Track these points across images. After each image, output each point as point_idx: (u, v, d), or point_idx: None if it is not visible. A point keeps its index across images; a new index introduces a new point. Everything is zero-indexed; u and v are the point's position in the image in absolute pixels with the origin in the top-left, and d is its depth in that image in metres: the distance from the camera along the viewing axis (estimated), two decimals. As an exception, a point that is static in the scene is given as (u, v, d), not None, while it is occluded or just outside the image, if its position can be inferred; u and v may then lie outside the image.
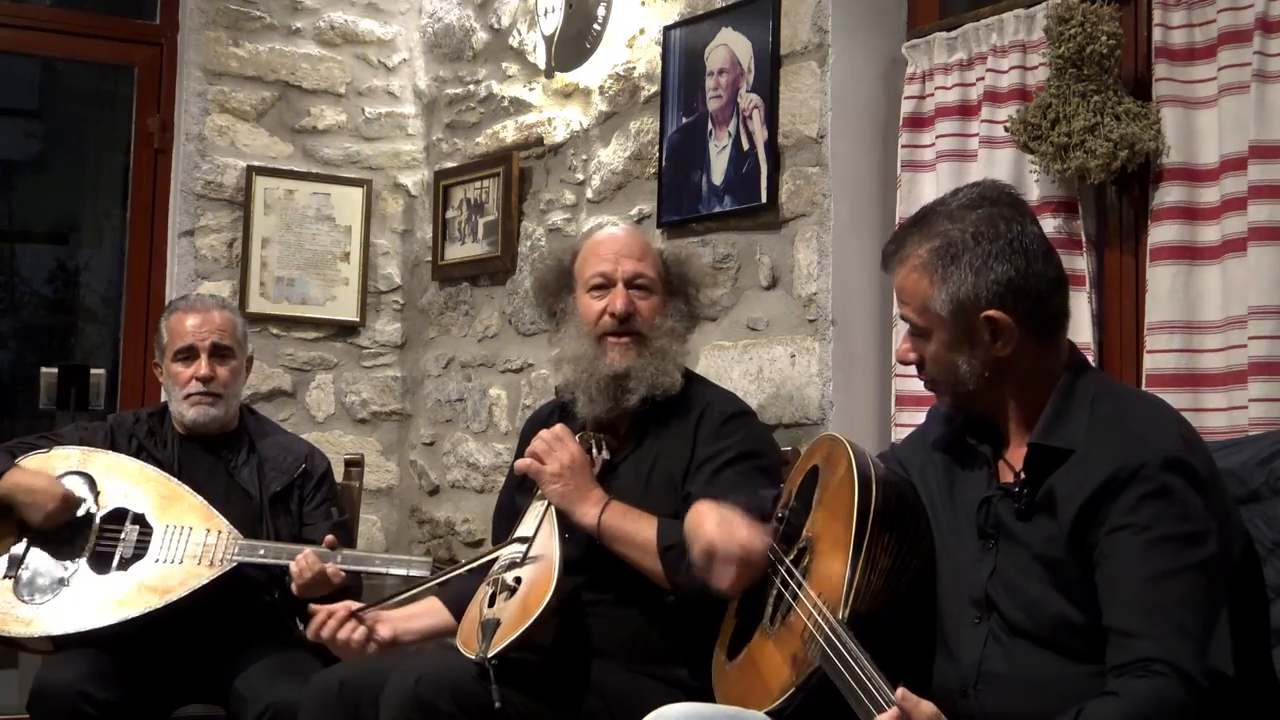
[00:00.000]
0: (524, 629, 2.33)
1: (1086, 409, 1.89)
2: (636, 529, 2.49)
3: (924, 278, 1.93)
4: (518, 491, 2.78)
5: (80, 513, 3.02)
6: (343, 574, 2.87)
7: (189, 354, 3.15)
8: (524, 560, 2.50)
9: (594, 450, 2.62)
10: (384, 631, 2.63)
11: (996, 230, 1.91)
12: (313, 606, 2.67)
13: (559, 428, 2.62)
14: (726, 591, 2.16)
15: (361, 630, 2.60)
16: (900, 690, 1.60)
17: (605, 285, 2.63)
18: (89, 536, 3.00)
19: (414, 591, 2.73)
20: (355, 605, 2.63)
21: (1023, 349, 1.91)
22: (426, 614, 2.74)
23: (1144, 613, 1.72)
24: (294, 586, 2.90)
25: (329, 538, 2.95)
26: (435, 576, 2.73)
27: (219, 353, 3.17)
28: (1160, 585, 1.72)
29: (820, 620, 1.85)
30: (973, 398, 1.97)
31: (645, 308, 2.62)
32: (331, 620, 2.60)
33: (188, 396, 3.14)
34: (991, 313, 1.89)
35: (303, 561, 2.87)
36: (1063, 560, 1.83)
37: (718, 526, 2.13)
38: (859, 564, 1.89)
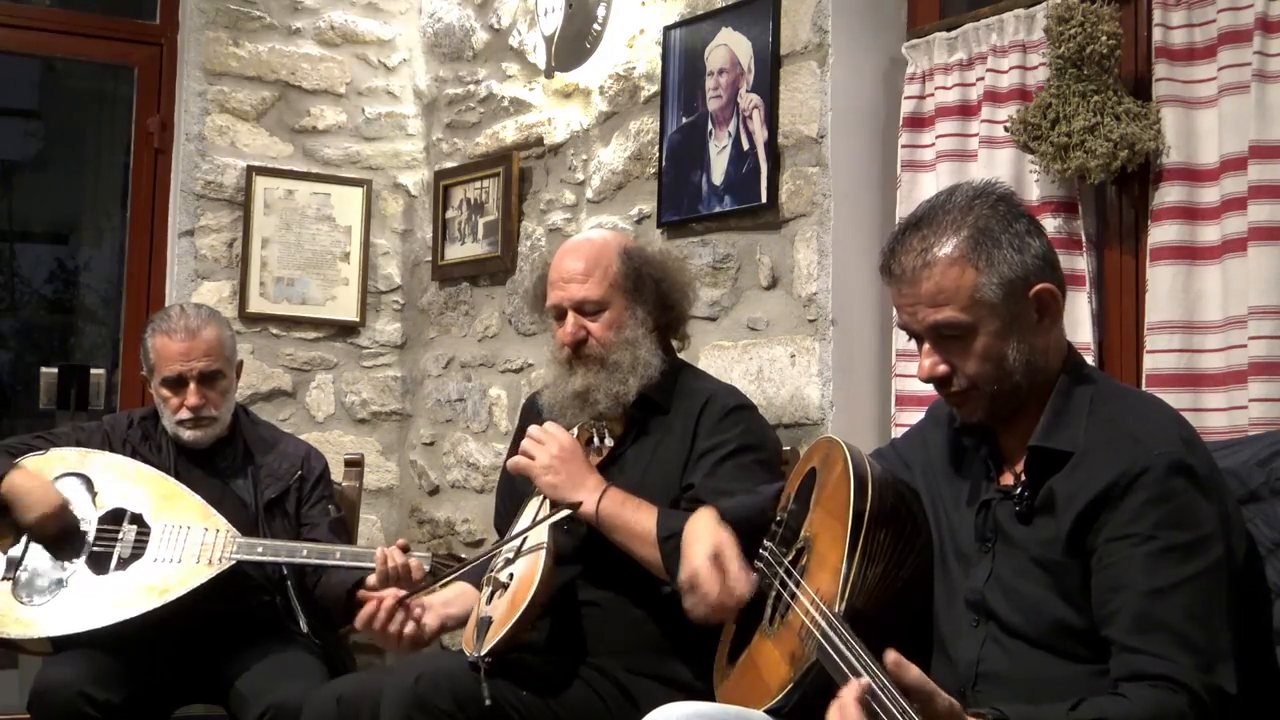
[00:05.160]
0: (510, 626, 2.34)
1: (1086, 410, 1.88)
2: (635, 518, 2.49)
3: (967, 268, 1.87)
4: (514, 485, 2.78)
5: (77, 521, 2.99)
6: (425, 568, 2.83)
7: (177, 382, 3.11)
8: (516, 556, 2.51)
9: (595, 439, 2.63)
10: (431, 621, 2.61)
11: (1016, 210, 1.93)
12: (362, 593, 2.66)
13: (548, 424, 2.64)
14: (694, 620, 2.13)
15: (411, 624, 2.58)
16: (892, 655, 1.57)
17: (560, 316, 2.71)
18: (87, 537, 3.00)
19: (450, 578, 2.71)
20: (400, 593, 2.61)
21: (1057, 330, 1.93)
22: (459, 598, 2.72)
23: (1148, 628, 1.71)
24: (373, 577, 2.82)
25: (400, 541, 2.91)
26: (465, 562, 2.72)
27: (208, 378, 3.12)
28: (1164, 599, 1.71)
29: (817, 615, 1.85)
30: (1012, 394, 1.91)
31: (596, 328, 2.67)
32: (381, 612, 2.58)
33: (180, 422, 3.12)
34: (1040, 286, 1.89)
35: (386, 552, 2.83)
36: (1061, 563, 1.82)
37: (709, 562, 2.09)
38: (854, 560, 1.89)
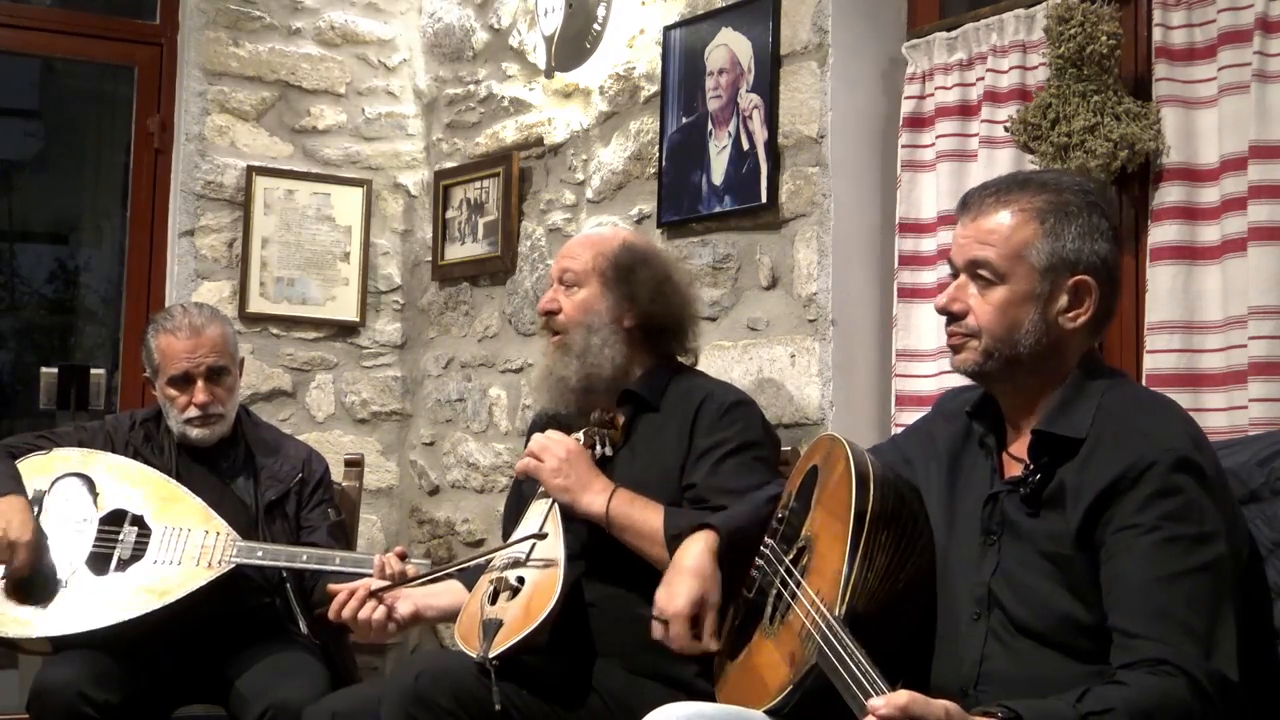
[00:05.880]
0: (527, 633, 2.33)
1: (1095, 403, 1.89)
2: (644, 517, 2.49)
3: (1032, 222, 1.92)
4: (521, 495, 2.79)
5: (43, 559, 2.94)
6: (422, 573, 2.83)
7: (185, 380, 3.11)
8: (528, 560, 2.50)
9: (597, 445, 2.63)
10: (404, 609, 2.61)
11: (1103, 211, 1.96)
12: (332, 586, 2.66)
13: (550, 431, 2.65)
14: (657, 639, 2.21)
15: (381, 609, 2.59)
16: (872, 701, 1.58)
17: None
18: (88, 538, 3.00)
19: (432, 576, 2.72)
20: (375, 584, 2.62)
21: (1081, 330, 1.94)
22: (447, 592, 2.72)
23: (1150, 614, 1.71)
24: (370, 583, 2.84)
25: (398, 548, 2.91)
26: (452, 563, 2.72)
27: (215, 375, 3.13)
28: (1167, 587, 1.72)
29: (817, 618, 1.85)
30: (1011, 363, 1.93)
31: (568, 304, 2.71)
32: (352, 600, 2.60)
33: (189, 420, 3.12)
34: (1083, 278, 1.91)
35: (384, 559, 2.82)
36: (1070, 557, 1.82)
37: (688, 608, 2.16)
38: (856, 562, 1.89)
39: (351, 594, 2.61)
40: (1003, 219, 1.94)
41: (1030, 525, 1.88)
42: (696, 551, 2.21)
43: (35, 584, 2.93)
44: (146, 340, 3.18)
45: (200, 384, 3.10)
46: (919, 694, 1.55)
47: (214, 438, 3.15)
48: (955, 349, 2.00)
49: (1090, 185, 2.02)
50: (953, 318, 1.98)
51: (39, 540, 2.93)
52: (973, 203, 1.99)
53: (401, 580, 2.68)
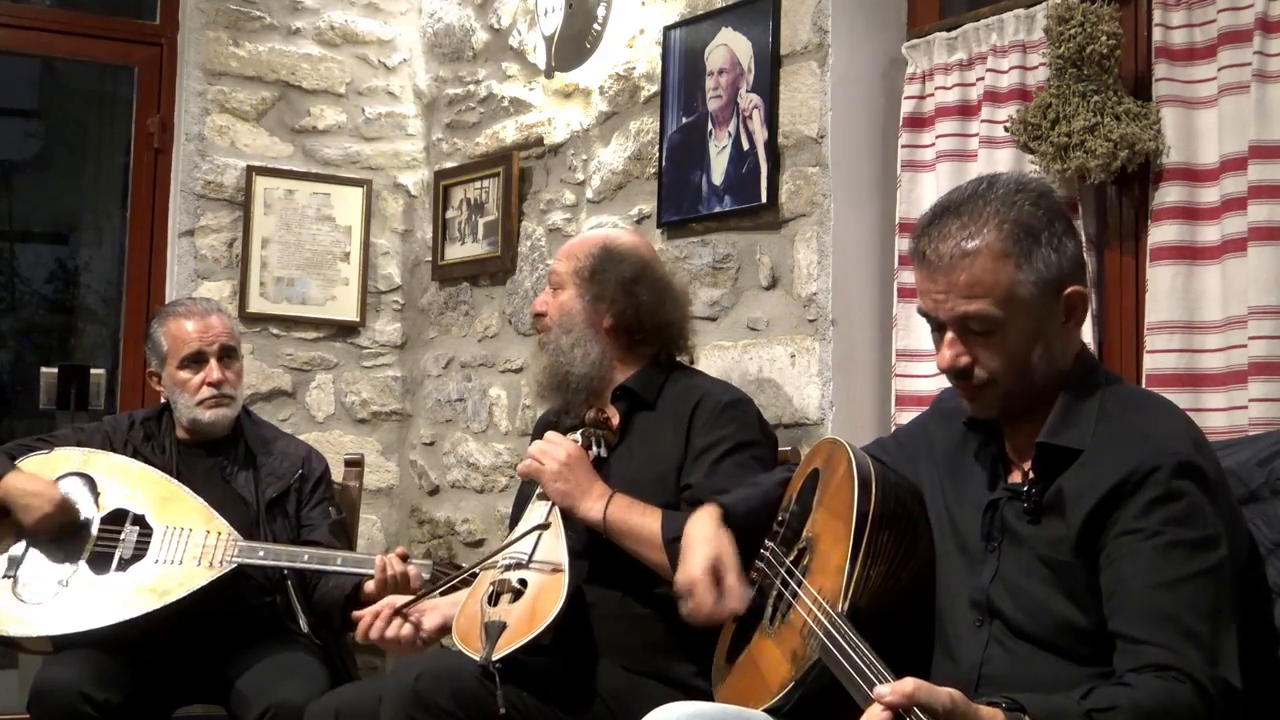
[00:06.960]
0: (532, 637, 2.32)
1: (1095, 409, 1.88)
2: (642, 522, 2.49)
3: (1006, 263, 1.84)
4: (524, 492, 2.79)
5: (81, 518, 3.01)
6: (424, 577, 2.82)
7: (197, 359, 3.14)
8: (530, 561, 2.50)
9: (593, 447, 2.63)
10: (431, 621, 2.61)
11: (1055, 209, 1.91)
12: (356, 614, 2.66)
13: (550, 434, 2.65)
14: (685, 619, 2.15)
15: (408, 626, 2.59)
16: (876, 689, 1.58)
17: None
18: (89, 537, 3.00)
19: (449, 583, 2.71)
20: (399, 602, 2.62)
21: (1076, 333, 1.92)
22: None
23: (1153, 620, 1.71)
24: (371, 584, 2.83)
25: (400, 548, 2.90)
26: (466, 569, 2.71)
27: (226, 354, 3.18)
28: (1170, 592, 1.71)
29: (819, 614, 1.84)
30: (1027, 393, 1.90)
31: (553, 305, 2.76)
32: (378, 621, 2.59)
33: (201, 401, 3.14)
34: (1072, 289, 1.88)
35: (385, 560, 2.84)
36: (1069, 563, 1.82)
37: (707, 572, 2.10)
38: (858, 559, 1.89)
39: (376, 615, 2.60)
40: (979, 268, 1.85)
41: (1030, 531, 1.88)
42: (703, 522, 2.19)
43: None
44: (152, 331, 3.21)
45: (213, 363, 3.14)
46: (924, 681, 1.54)
47: (226, 421, 3.17)
48: (972, 400, 1.94)
49: (1026, 182, 1.93)
50: (961, 373, 1.91)
51: (64, 498, 2.99)
52: (934, 257, 1.88)
53: (423, 593, 2.67)
